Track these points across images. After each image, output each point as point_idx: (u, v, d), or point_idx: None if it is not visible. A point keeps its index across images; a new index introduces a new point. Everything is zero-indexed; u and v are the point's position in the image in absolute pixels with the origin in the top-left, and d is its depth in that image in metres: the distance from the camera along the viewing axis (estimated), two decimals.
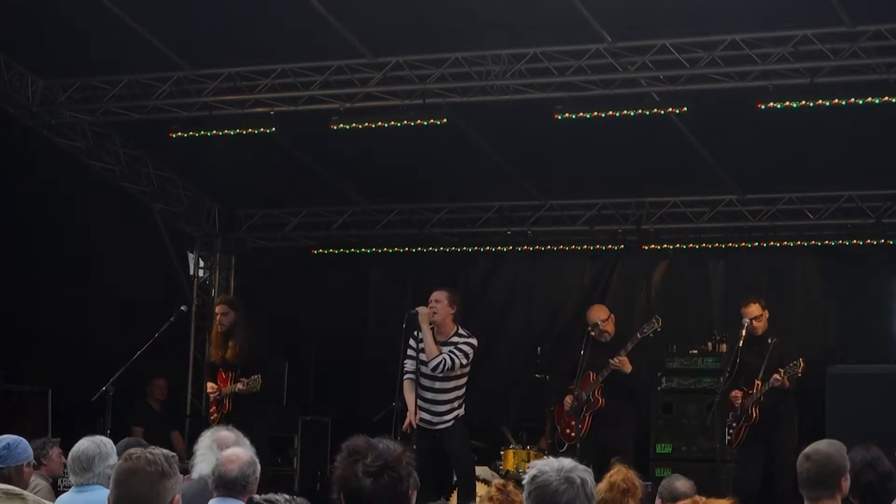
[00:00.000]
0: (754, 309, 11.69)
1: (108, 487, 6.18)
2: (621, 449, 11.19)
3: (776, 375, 11.29)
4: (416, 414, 10.69)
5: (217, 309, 12.48)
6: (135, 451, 4.33)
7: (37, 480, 8.61)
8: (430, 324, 10.81)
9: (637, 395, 12.26)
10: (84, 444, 6.83)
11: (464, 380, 10.95)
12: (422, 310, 10.85)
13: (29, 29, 12.54)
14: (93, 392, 11.38)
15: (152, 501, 4.23)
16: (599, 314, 11.90)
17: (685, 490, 7.29)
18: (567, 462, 4.40)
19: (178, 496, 4.31)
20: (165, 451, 4.39)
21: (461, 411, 10.94)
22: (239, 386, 11.86)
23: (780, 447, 11.33)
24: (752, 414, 11.50)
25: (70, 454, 6.82)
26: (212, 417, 12.03)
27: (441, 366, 10.75)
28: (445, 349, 10.78)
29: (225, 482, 6.08)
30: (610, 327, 11.81)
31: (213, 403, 12.27)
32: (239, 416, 11.36)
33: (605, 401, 11.70)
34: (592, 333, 11.73)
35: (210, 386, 12.32)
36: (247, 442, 6.58)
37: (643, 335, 11.72)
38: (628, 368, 11.58)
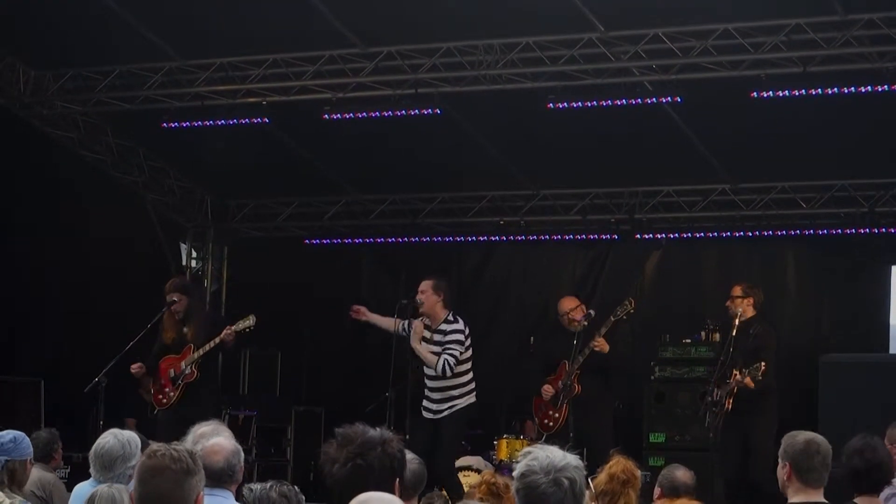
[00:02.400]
0: (735, 290, 11.73)
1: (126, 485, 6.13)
2: (600, 436, 11.21)
3: (736, 375, 11.11)
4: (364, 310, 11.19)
5: (169, 297, 11.54)
6: (159, 448, 4.21)
7: (51, 477, 8.51)
8: (421, 316, 10.79)
9: (615, 378, 12.25)
10: (109, 441, 6.63)
11: (468, 365, 10.85)
12: (416, 326, 10.80)
13: (20, 19, 12.50)
14: (85, 383, 11.34)
15: (177, 500, 4.11)
16: (569, 304, 12.00)
17: (685, 479, 7.29)
18: (557, 458, 4.24)
19: (202, 494, 4.24)
20: (189, 447, 4.33)
21: (469, 399, 10.80)
22: (226, 332, 11.14)
23: (755, 438, 11.25)
24: (727, 405, 11.43)
25: (93, 449, 6.64)
26: (164, 400, 11.47)
27: (447, 369, 10.67)
28: (438, 349, 10.72)
29: (210, 473, 6.01)
30: (578, 316, 11.83)
31: (168, 384, 11.52)
32: (190, 392, 11.27)
33: (582, 388, 11.72)
34: (563, 323, 11.88)
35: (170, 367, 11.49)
36: (227, 432, 6.43)
37: (616, 317, 11.74)
38: (606, 349, 11.64)
